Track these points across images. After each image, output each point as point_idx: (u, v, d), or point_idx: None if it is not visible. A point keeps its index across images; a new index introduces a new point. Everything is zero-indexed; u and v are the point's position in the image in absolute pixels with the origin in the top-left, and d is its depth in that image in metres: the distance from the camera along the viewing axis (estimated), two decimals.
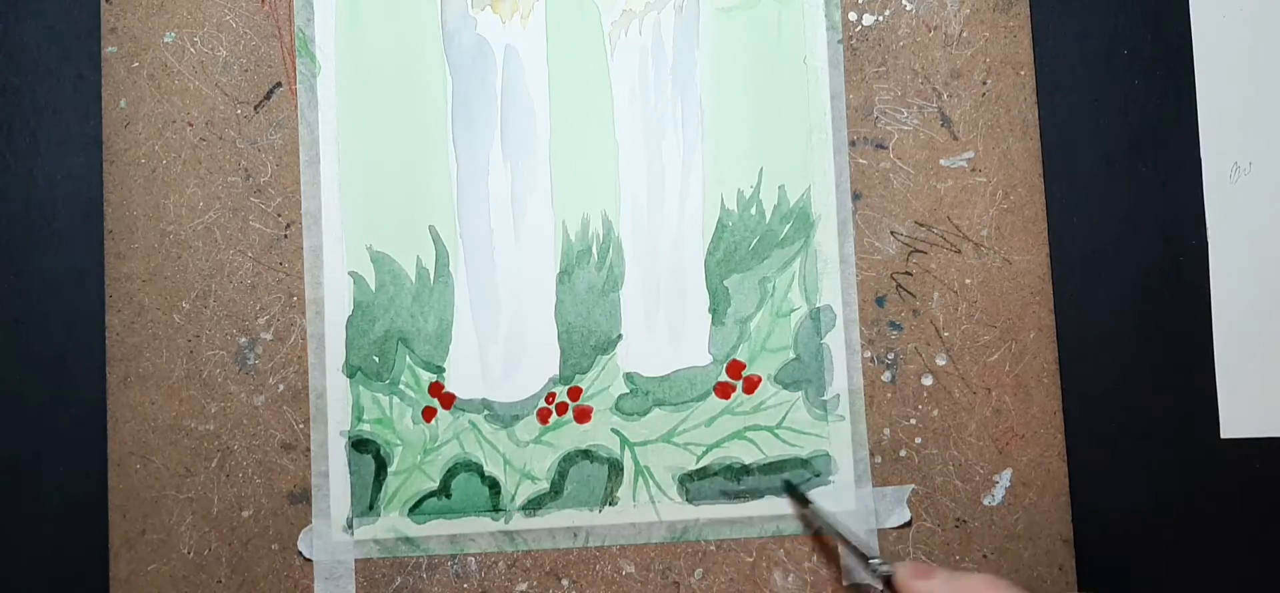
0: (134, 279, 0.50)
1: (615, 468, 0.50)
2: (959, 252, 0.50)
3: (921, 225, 0.50)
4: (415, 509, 0.50)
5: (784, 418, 0.50)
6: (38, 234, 0.50)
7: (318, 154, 0.50)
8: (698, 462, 0.50)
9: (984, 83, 0.50)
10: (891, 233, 0.50)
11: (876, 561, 0.45)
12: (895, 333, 0.50)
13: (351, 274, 0.50)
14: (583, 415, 0.50)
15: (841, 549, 0.49)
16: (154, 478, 0.49)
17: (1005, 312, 0.50)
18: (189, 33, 0.51)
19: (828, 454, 0.50)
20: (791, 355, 0.50)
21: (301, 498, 0.50)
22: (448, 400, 0.50)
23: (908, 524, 0.49)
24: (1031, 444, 0.50)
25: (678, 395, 0.50)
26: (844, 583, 0.49)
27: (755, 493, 0.50)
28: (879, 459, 0.50)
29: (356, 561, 0.49)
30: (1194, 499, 0.50)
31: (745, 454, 0.50)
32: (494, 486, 0.50)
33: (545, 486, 0.50)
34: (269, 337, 0.50)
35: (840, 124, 0.50)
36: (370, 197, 0.50)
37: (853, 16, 0.51)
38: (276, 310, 0.50)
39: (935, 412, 0.50)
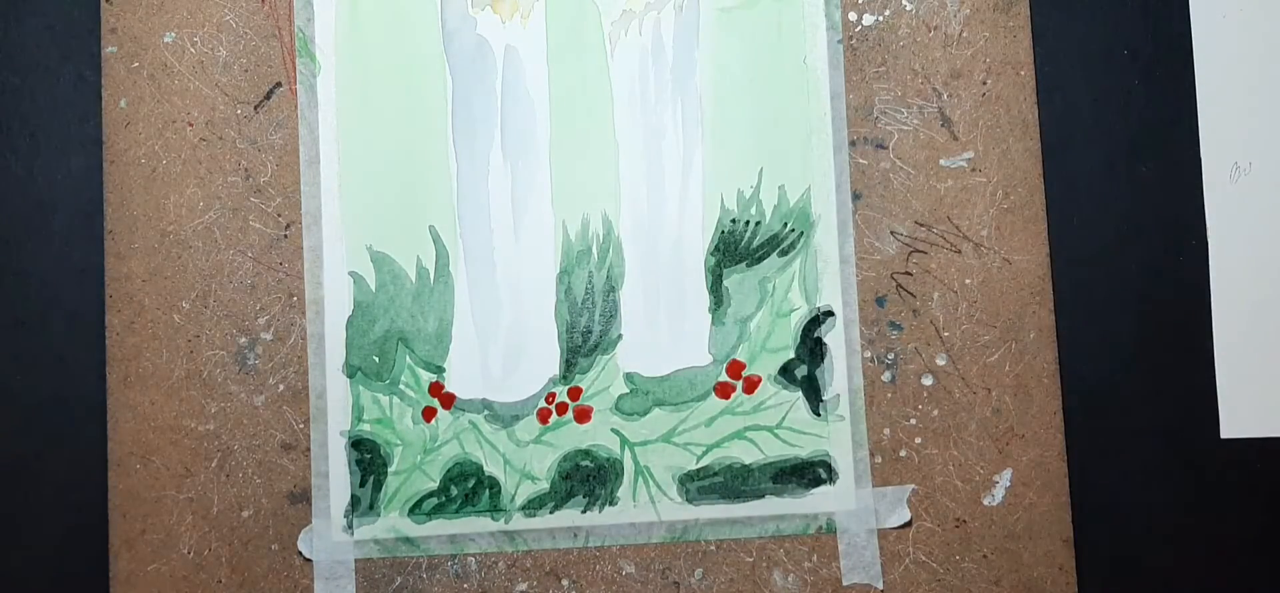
0: (134, 279, 0.50)
1: (615, 468, 0.50)
2: (959, 252, 0.50)
3: (921, 225, 0.50)
4: (415, 509, 0.50)
5: (784, 418, 0.50)
6: (38, 234, 0.50)
7: (318, 154, 0.50)
8: (698, 462, 0.50)
9: (984, 83, 0.50)
10: (891, 233, 0.50)
11: None
12: (895, 333, 0.50)
13: (351, 274, 0.50)
14: (583, 415, 0.50)
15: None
16: (154, 478, 0.49)
17: (1005, 312, 0.50)
18: (189, 33, 0.51)
19: (828, 453, 0.50)
20: (791, 355, 0.50)
21: (301, 498, 0.50)
22: (448, 400, 0.50)
23: (908, 524, 0.49)
24: (1031, 444, 0.50)
25: (678, 395, 0.50)
26: (844, 583, 0.49)
27: (755, 493, 0.50)
28: (879, 459, 0.50)
29: (356, 561, 0.49)
30: (1194, 499, 0.50)
31: (745, 454, 0.50)
32: (494, 486, 0.50)
33: (545, 486, 0.50)
34: (269, 337, 0.50)
35: (840, 124, 0.50)
36: (370, 197, 0.50)
37: (853, 16, 0.51)
38: (276, 310, 0.50)
39: (935, 412, 0.50)
